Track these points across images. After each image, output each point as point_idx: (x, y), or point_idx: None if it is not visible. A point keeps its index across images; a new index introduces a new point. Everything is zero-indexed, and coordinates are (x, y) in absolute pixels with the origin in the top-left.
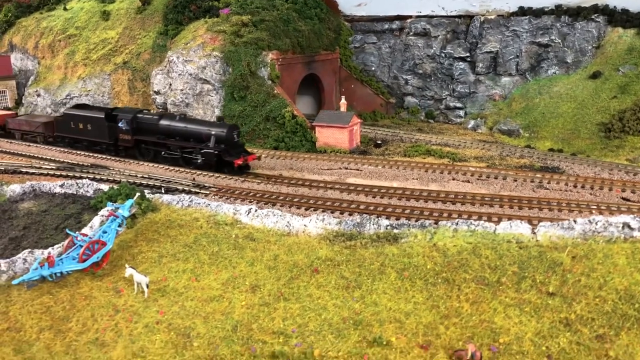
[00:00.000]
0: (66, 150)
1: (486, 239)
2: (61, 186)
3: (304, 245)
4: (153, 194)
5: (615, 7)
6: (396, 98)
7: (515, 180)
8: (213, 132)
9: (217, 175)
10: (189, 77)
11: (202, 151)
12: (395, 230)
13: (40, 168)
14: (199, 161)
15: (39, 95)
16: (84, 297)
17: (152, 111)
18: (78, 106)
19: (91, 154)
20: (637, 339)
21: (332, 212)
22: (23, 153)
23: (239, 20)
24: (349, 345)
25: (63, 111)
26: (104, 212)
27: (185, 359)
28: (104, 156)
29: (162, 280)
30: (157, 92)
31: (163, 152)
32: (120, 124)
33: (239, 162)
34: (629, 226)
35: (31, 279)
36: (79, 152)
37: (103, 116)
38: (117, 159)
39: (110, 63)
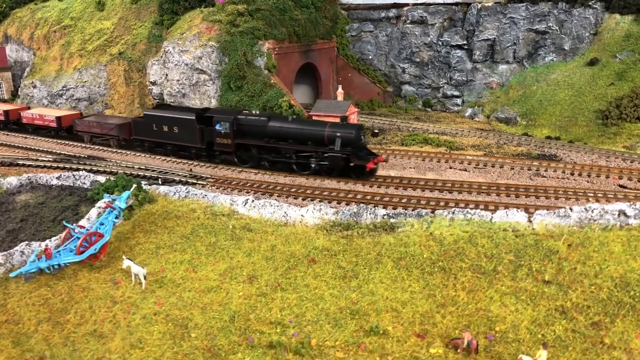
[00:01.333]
0: (62, 142)
1: (482, 227)
2: (58, 178)
3: (301, 236)
4: (150, 185)
5: None
6: (393, 87)
7: (512, 169)
8: (339, 134)
9: (214, 165)
10: (185, 68)
11: (326, 155)
12: (392, 220)
13: (37, 160)
14: (314, 166)
15: (34, 87)
16: (81, 289)
17: (254, 111)
18: (160, 106)
19: (110, 149)
20: (632, 326)
21: (329, 202)
22: (20, 145)
23: (235, 9)
24: (346, 334)
25: (144, 112)
26: (101, 203)
27: (183, 350)
28: (103, 148)
29: (159, 272)
30: (154, 83)
31: (271, 157)
32: (217, 127)
33: (372, 165)
34: (624, 214)
35: (29, 272)
36: (75, 144)
37: (194, 118)
38: (115, 150)
39: (106, 54)
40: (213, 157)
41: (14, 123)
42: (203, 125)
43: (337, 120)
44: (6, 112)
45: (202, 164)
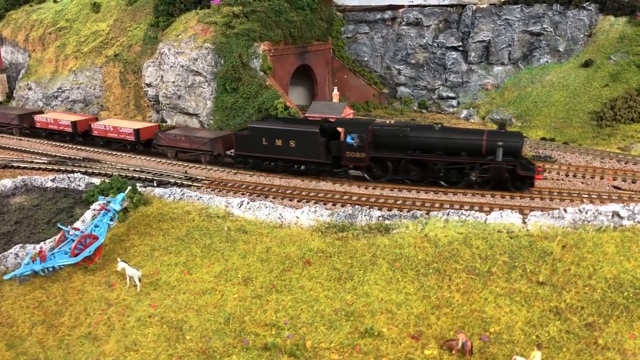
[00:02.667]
0: (57, 144)
1: (477, 229)
2: (53, 180)
3: (296, 237)
4: (145, 187)
5: None
6: (389, 88)
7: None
8: (501, 143)
9: (209, 167)
10: (180, 69)
11: (487, 166)
12: (386, 221)
13: (31, 162)
14: (475, 179)
15: (30, 89)
16: (76, 292)
17: (389, 121)
18: (266, 119)
19: (119, 153)
20: (625, 326)
21: (324, 204)
22: (14, 147)
23: (230, 11)
24: (341, 336)
25: (249, 125)
26: (95, 206)
27: (177, 352)
28: (97, 149)
29: (154, 274)
30: (149, 85)
31: (413, 170)
32: (349, 139)
33: (540, 177)
34: (618, 215)
35: (23, 274)
36: (70, 146)
37: (317, 130)
38: (110, 152)
39: (102, 55)
40: (335, 173)
41: (81, 135)
42: (327, 138)
43: (334, 120)
44: (74, 124)
45: (198, 166)
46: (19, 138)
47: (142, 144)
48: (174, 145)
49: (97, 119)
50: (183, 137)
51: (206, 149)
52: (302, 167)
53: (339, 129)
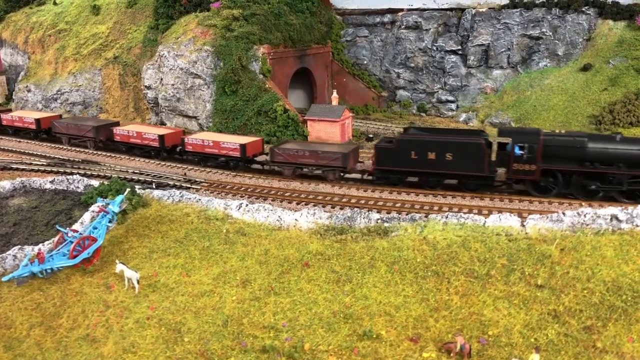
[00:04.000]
0: (56, 146)
1: (476, 232)
2: (52, 182)
3: (295, 240)
4: (144, 189)
5: None
6: (388, 91)
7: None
8: None
9: (208, 170)
10: (180, 72)
11: None
12: (385, 224)
13: (30, 164)
14: None
15: (29, 91)
16: (74, 293)
17: (560, 130)
18: (409, 130)
19: (105, 153)
20: (624, 330)
21: (323, 206)
22: (13, 149)
23: (230, 14)
24: (339, 338)
25: (396, 137)
26: (94, 208)
27: (176, 354)
28: (98, 152)
29: (152, 276)
30: (148, 87)
31: (591, 184)
32: (517, 151)
33: None
34: (617, 218)
35: (21, 276)
36: (69, 148)
37: (482, 142)
38: (108, 154)
39: (101, 58)
40: (495, 187)
41: (169, 151)
42: (490, 149)
43: (332, 124)
44: (162, 138)
45: (197, 168)
46: (68, 148)
47: (246, 161)
48: (294, 162)
49: (184, 132)
50: (308, 152)
51: (337, 164)
52: (455, 182)
53: (504, 140)
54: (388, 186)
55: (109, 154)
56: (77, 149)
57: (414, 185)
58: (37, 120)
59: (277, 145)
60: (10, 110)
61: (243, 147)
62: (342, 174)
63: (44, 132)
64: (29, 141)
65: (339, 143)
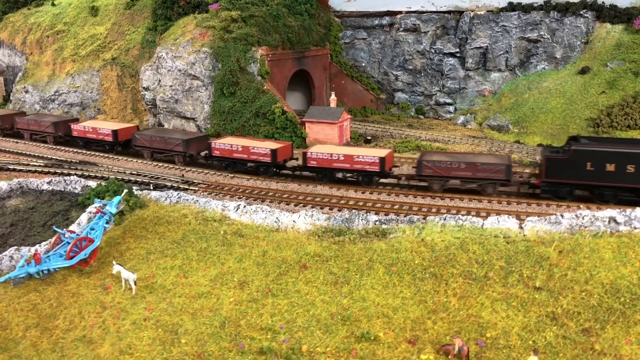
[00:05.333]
0: (54, 147)
1: (474, 233)
2: (49, 183)
3: (293, 241)
4: (141, 190)
5: (603, 2)
6: (386, 94)
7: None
8: None
9: (206, 171)
10: (178, 73)
11: None
12: (383, 226)
13: (28, 165)
14: None
15: (27, 92)
16: (71, 295)
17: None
18: (577, 139)
19: (103, 155)
20: (622, 332)
21: (321, 208)
22: (10, 150)
23: (228, 15)
24: (337, 340)
25: (572, 147)
26: (91, 209)
27: (172, 356)
28: (96, 153)
29: (150, 277)
30: (146, 88)
31: None
32: None
33: None
34: (615, 220)
35: (18, 277)
36: (67, 149)
37: None
38: (106, 155)
39: (99, 59)
40: None
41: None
42: None
43: (330, 125)
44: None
45: (195, 169)
46: (110, 155)
47: (277, 166)
48: (447, 175)
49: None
50: (463, 164)
51: (499, 177)
52: (634, 196)
53: None
54: (554, 200)
55: (105, 155)
56: (74, 150)
57: (413, 188)
58: (115, 132)
59: (423, 156)
60: (77, 120)
61: (274, 152)
62: (502, 187)
63: (121, 144)
64: (28, 142)
65: (493, 154)
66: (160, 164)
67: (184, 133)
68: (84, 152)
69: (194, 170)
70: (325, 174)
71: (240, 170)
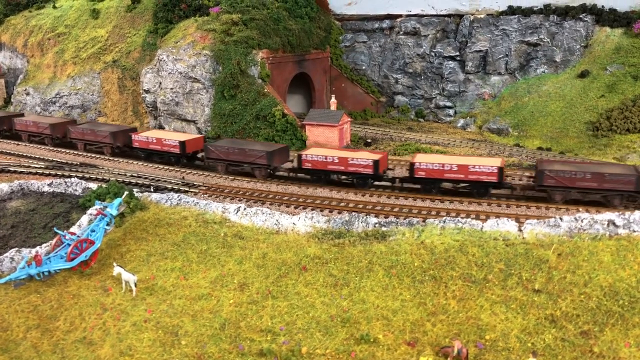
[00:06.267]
0: (54, 149)
1: (473, 236)
2: (50, 185)
3: (293, 244)
4: (142, 192)
5: (603, 6)
6: (386, 97)
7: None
8: None
9: (206, 173)
10: (178, 76)
11: None
12: (383, 228)
13: (29, 167)
14: None
15: (28, 94)
16: (71, 296)
17: None
18: None
19: (103, 156)
20: (621, 335)
21: (321, 210)
22: (12, 152)
23: (229, 18)
24: (336, 342)
25: None
26: (92, 210)
27: (173, 357)
28: (94, 155)
29: (150, 279)
30: (147, 91)
31: None
32: None
33: None
34: (614, 223)
35: (18, 278)
36: (67, 151)
37: None
38: (106, 157)
39: (100, 61)
40: None
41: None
42: None
43: (330, 128)
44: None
45: (195, 172)
46: (66, 150)
47: (377, 178)
48: (571, 186)
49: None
50: (589, 174)
51: (628, 188)
52: None
53: None
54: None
55: (105, 158)
56: (75, 152)
57: (412, 190)
58: (182, 143)
59: (544, 165)
60: (135, 129)
61: (376, 163)
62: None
63: (188, 157)
64: (27, 144)
65: (618, 163)
66: (161, 167)
67: (265, 144)
68: (84, 154)
69: (194, 172)
70: (320, 176)
71: (336, 183)
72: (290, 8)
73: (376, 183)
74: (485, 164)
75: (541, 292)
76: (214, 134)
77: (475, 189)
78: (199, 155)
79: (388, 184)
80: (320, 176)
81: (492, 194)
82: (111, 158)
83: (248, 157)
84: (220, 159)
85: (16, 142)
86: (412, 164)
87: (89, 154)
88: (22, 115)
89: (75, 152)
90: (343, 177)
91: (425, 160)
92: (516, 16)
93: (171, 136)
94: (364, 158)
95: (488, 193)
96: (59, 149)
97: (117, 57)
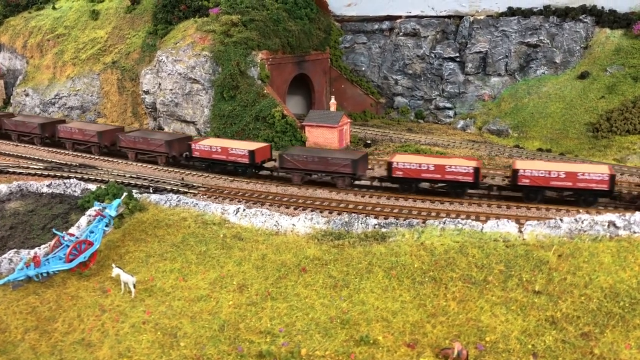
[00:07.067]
0: (54, 150)
1: (473, 237)
2: (48, 186)
3: (292, 245)
4: (141, 193)
5: (602, 7)
6: (386, 98)
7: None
8: None
9: (205, 174)
10: (178, 77)
11: None
12: (383, 230)
13: (27, 168)
14: None
15: (27, 95)
16: (70, 297)
17: None
18: None
19: (80, 154)
20: (621, 336)
21: (320, 212)
22: (10, 153)
23: (229, 19)
24: (336, 344)
25: None
26: (91, 211)
27: (171, 359)
28: (92, 156)
29: (149, 280)
30: (146, 92)
31: None
32: None
33: None
34: (614, 225)
35: (17, 279)
36: (66, 152)
37: None
38: (106, 158)
39: (100, 63)
40: None
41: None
42: None
43: (330, 129)
44: (390, 165)
45: (195, 173)
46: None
47: (475, 186)
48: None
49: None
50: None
51: None
52: None
53: None
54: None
55: (104, 159)
56: (73, 153)
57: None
58: (252, 152)
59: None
60: (190, 138)
61: (477, 171)
62: None
63: (258, 166)
64: (27, 145)
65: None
66: (160, 168)
67: (347, 152)
68: (83, 155)
69: (194, 173)
70: (411, 185)
71: (423, 191)
72: (290, 9)
73: (471, 191)
74: (462, 165)
75: (541, 294)
76: (214, 135)
77: (452, 189)
78: (267, 165)
79: (485, 191)
80: (412, 185)
81: (468, 194)
82: (110, 159)
83: (330, 165)
84: (297, 169)
85: (15, 144)
86: (389, 164)
87: (88, 155)
88: (64, 121)
89: (74, 154)
90: (438, 185)
91: (403, 160)
92: (516, 17)
93: (237, 145)
94: (463, 165)
95: (464, 193)
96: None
97: (116, 58)
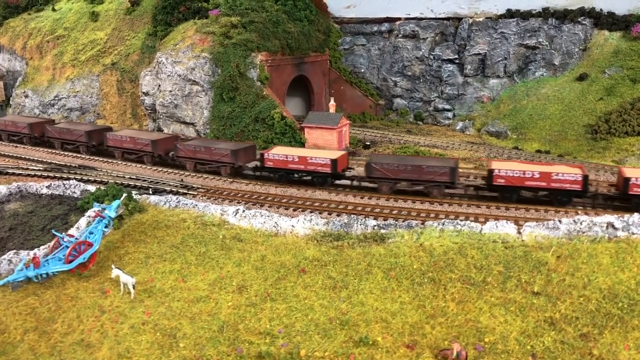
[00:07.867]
0: (53, 151)
1: (472, 239)
2: (48, 187)
3: (292, 246)
4: (140, 194)
5: (601, 10)
6: (385, 100)
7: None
8: None
9: (205, 176)
10: (177, 78)
11: None
12: (382, 231)
13: (27, 169)
14: None
15: (26, 96)
16: (69, 298)
17: None
18: None
19: (79, 155)
20: (620, 337)
21: (319, 213)
22: (10, 154)
23: (228, 21)
24: (335, 345)
25: None
26: (90, 213)
27: None
28: (91, 157)
29: (148, 281)
30: (146, 93)
31: None
32: None
33: None
34: (613, 226)
35: (16, 280)
36: (66, 153)
37: None
38: (105, 159)
39: (99, 64)
40: None
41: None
42: None
43: (329, 131)
44: (491, 173)
45: (194, 174)
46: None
47: (582, 195)
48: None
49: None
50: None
51: None
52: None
53: None
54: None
55: (104, 160)
56: (73, 154)
57: (410, 193)
58: (334, 161)
59: (493, 165)
60: (255, 147)
61: (585, 178)
62: None
63: (339, 176)
64: (26, 146)
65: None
66: (159, 169)
67: (441, 159)
68: (83, 156)
69: (192, 174)
70: (511, 193)
71: (524, 199)
72: (290, 11)
73: (577, 200)
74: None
75: (540, 295)
76: (213, 136)
77: (429, 190)
78: (346, 174)
79: (589, 201)
80: (513, 194)
81: (447, 194)
82: (110, 160)
83: (425, 174)
84: (386, 178)
85: (14, 145)
86: (490, 171)
87: (87, 156)
88: (111, 129)
89: (74, 155)
90: (541, 193)
91: (505, 167)
92: (515, 19)
93: (317, 154)
94: (570, 173)
95: (442, 193)
96: (59, 152)
97: (116, 59)
